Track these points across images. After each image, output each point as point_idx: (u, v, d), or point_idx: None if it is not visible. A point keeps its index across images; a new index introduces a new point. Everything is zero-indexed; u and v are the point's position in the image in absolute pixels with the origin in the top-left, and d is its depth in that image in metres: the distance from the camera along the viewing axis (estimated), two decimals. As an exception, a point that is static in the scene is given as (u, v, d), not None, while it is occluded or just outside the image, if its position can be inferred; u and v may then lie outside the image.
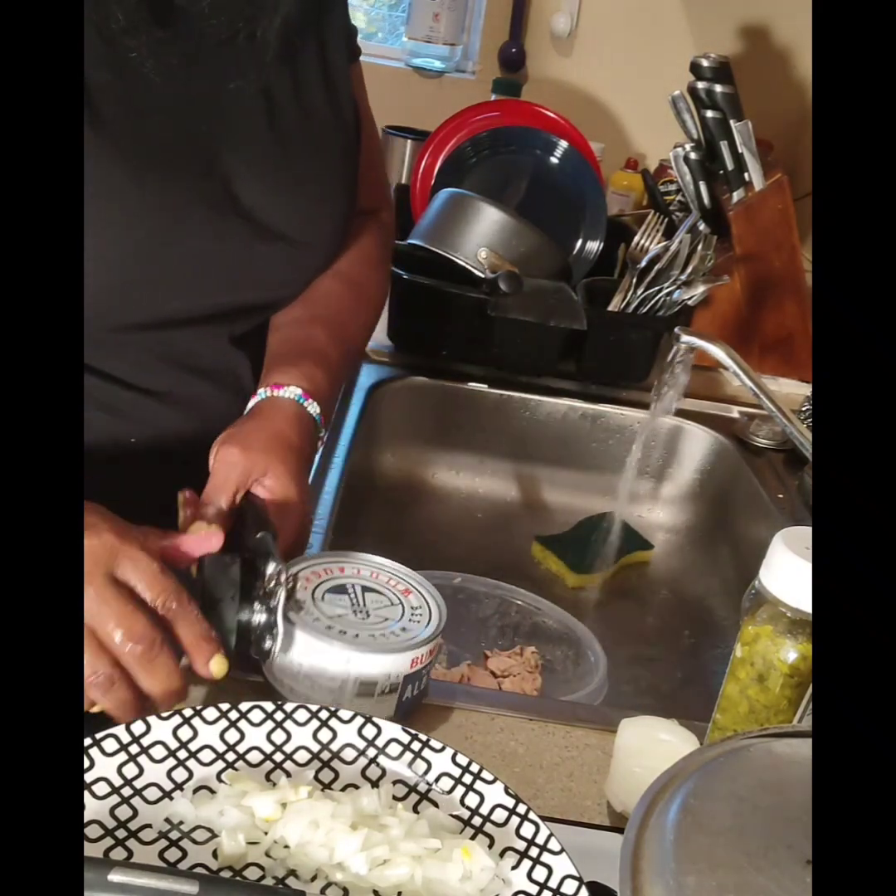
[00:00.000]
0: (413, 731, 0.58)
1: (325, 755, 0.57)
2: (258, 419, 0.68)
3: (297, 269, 0.73)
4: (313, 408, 0.69)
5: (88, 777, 0.52)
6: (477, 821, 0.54)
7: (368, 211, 0.84)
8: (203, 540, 0.57)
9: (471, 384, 1.18)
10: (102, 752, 0.53)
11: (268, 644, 0.58)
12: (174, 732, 0.56)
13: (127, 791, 0.52)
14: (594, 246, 1.31)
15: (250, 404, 0.70)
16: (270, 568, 0.57)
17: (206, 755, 0.55)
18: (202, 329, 0.71)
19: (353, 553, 0.67)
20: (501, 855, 0.52)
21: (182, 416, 0.72)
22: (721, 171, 1.22)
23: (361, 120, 0.79)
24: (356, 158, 0.77)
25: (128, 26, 0.59)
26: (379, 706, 0.61)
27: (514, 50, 1.82)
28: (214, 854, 0.50)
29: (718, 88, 1.16)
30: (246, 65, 0.66)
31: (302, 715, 0.58)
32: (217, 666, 0.56)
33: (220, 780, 0.54)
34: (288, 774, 0.55)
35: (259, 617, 0.57)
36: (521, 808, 0.54)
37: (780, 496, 1.06)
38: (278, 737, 0.57)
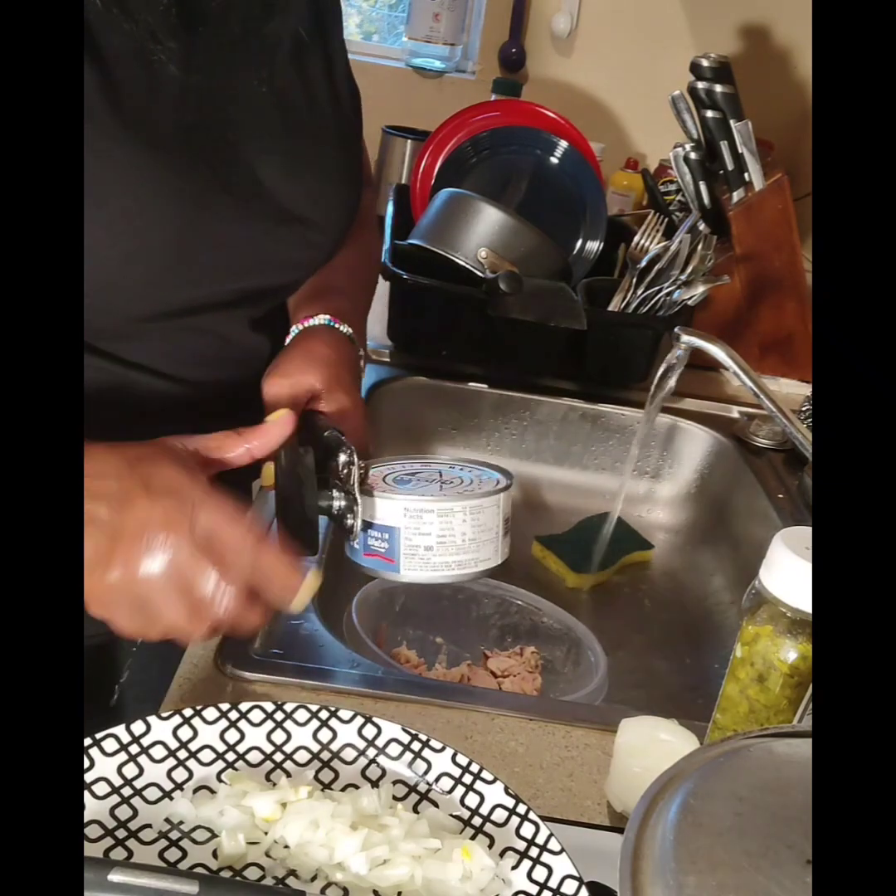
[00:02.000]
0: (413, 731, 0.58)
1: (325, 755, 0.57)
2: (293, 348, 0.71)
3: (313, 250, 0.75)
4: (345, 328, 0.73)
5: (88, 777, 0.52)
6: (477, 821, 0.54)
7: None
8: (280, 425, 0.60)
9: (471, 384, 1.18)
10: (102, 752, 0.53)
11: (349, 522, 0.60)
12: (174, 732, 0.56)
13: (127, 791, 0.53)
14: (594, 246, 1.31)
15: (286, 342, 0.73)
16: (342, 457, 0.60)
17: (206, 755, 0.55)
18: (225, 314, 0.72)
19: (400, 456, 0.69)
20: (501, 855, 0.52)
21: (211, 403, 0.72)
22: (721, 171, 1.23)
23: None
24: (359, 142, 0.80)
25: (157, 31, 0.60)
26: (508, 540, 0.64)
27: (514, 50, 1.82)
28: (214, 854, 0.50)
29: (718, 88, 1.16)
30: (258, 65, 0.67)
31: (302, 715, 0.58)
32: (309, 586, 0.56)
33: (220, 780, 0.54)
34: (288, 774, 0.56)
35: (338, 502, 0.59)
36: (521, 808, 0.54)
37: (780, 496, 1.06)
38: (278, 737, 0.57)
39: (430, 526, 0.60)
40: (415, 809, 0.54)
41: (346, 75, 0.77)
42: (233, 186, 0.66)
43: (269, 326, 0.76)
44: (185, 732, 0.56)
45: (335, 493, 0.59)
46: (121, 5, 0.58)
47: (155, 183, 0.61)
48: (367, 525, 0.60)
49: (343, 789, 0.55)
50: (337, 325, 0.73)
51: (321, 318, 0.73)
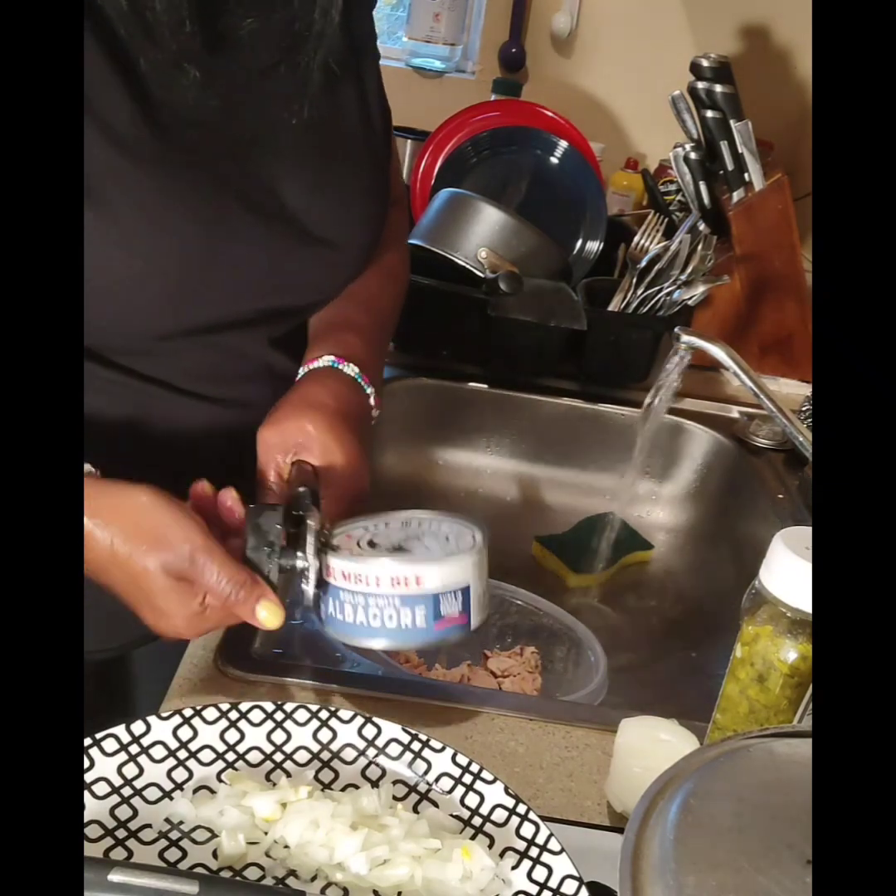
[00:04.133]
0: (413, 731, 0.58)
1: (325, 755, 0.57)
2: (293, 393, 0.69)
3: (335, 272, 0.74)
4: (350, 369, 0.70)
5: (88, 777, 0.52)
6: (477, 821, 0.54)
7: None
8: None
9: (471, 384, 1.18)
10: (102, 752, 0.53)
11: (303, 586, 0.59)
12: (174, 732, 0.56)
13: (127, 791, 0.53)
14: (594, 246, 1.31)
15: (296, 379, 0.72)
16: (308, 521, 0.59)
17: (206, 755, 0.55)
18: (245, 333, 0.71)
19: (391, 512, 0.68)
20: (501, 855, 0.52)
21: (229, 419, 0.72)
22: (721, 171, 1.22)
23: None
24: (388, 164, 0.78)
25: (181, 56, 0.59)
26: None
27: (514, 50, 1.82)
28: (214, 854, 0.50)
29: (718, 88, 1.16)
30: (289, 96, 0.66)
31: (302, 715, 0.58)
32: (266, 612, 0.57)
33: (220, 780, 0.54)
34: (288, 774, 0.56)
35: (301, 562, 0.58)
36: (521, 808, 0.54)
37: (780, 496, 1.06)
38: (278, 737, 0.57)
39: (484, 569, 0.59)
40: (415, 809, 0.54)
41: (379, 100, 0.76)
42: (254, 206, 0.65)
43: (289, 345, 0.74)
44: (185, 732, 0.56)
45: (299, 554, 0.58)
46: (146, 33, 0.58)
47: (171, 201, 0.61)
48: (435, 597, 0.58)
49: (343, 789, 0.55)
50: (341, 367, 0.70)
51: (326, 360, 0.70)
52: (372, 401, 0.72)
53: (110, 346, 0.66)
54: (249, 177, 0.65)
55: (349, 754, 0.57)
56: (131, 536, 0.55)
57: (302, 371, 0.71)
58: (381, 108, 0.77)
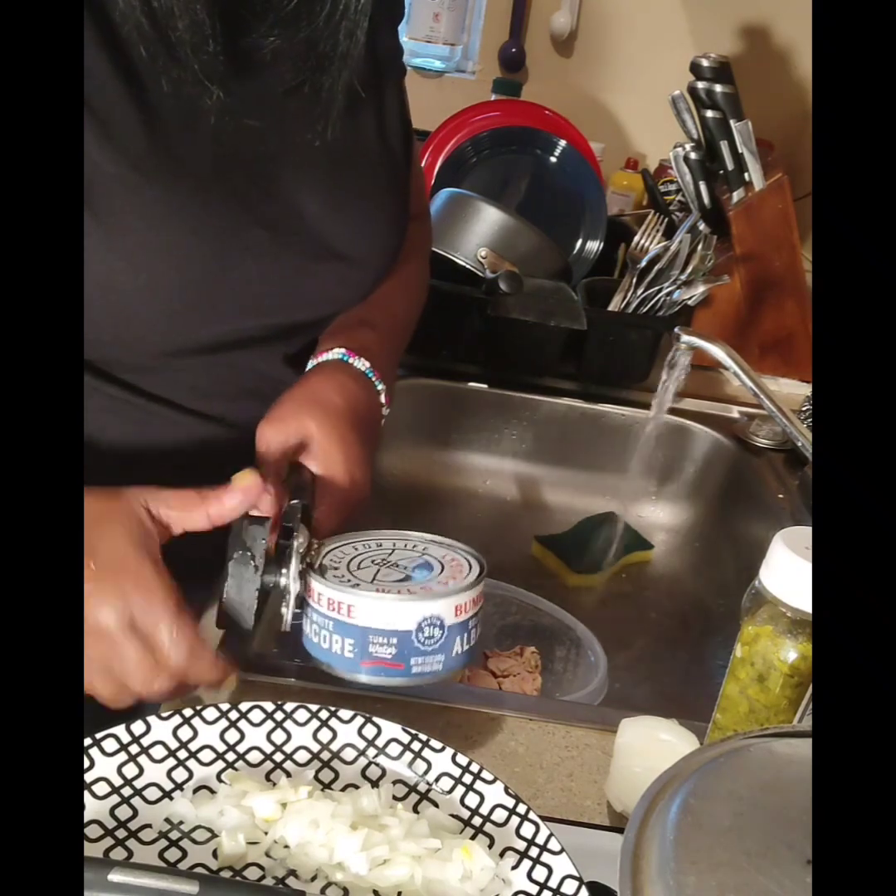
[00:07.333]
0: (413, 731, 0.58)
1: (325, 755, 0.57)
2: (298, 388, 0.67)
3: (351, 287, 0.72)
4: (361, 363, 0.69)
5: (88, 777, 0.52)
6: (477, 821, 0.54)
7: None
8: (242, 494, 0.56)
9: (471, 384, 1.18)
10: (102, 752, 0.53)
11: (283, 609, 0.58)
12: (174, 732, 0.56)
13: (127, 791, 0.53)
14: (594, 246, 1.31)
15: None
16: (297, 539, 0.58)
17: (206, 755, 0.55)
18: (256, 350, 0.70)
19: (395, 531, 0.65)
20: (501, 855, 0.52)
21: (238, 437, 0.70)
22: (721, 171, 1.22)
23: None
24: (407, 180, 0.77)
25: (204, 77, 0.58)
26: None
27: (514, 50, 1.82)
28: (214, 854, 0.50)
29: (718, 88, 1.16)
30: (312, 116, 0.65)
31: (302, 715, 0.58)
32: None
33: (220, 780, 0.54)
34: (288, 774, 0.56)
35: (284, 580, 0.57)
36: (521, 808, 0.54)
37: (780, 496, 1.06)
38: (278, 737, 0.57)
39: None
40: (415, 809, 0.54)
41: (401, 117, 0.75)
42: (269, 222, 0.64)
43: (304, 362, 0.73)
44: (185, 732, 0.56)
45: (283, 571, 0.57)
46: (168, 53, 0.57)
47: (178, 215, 0.60)
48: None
49: (343, 789, 0.55)
50: (352, 361, 0.68)
51: (336, 352, 0.68)
52: (383, 399, 0.70)
53: (118, 362, 0.65)
54: (264, 192, 0.64)
55: (349, 754, 0.57)
56: (91, 578, 0.52)
57: (312, 362, 0.69)
58: (403, 125, 0.76)
